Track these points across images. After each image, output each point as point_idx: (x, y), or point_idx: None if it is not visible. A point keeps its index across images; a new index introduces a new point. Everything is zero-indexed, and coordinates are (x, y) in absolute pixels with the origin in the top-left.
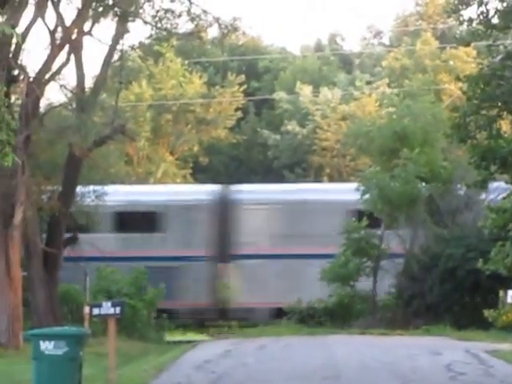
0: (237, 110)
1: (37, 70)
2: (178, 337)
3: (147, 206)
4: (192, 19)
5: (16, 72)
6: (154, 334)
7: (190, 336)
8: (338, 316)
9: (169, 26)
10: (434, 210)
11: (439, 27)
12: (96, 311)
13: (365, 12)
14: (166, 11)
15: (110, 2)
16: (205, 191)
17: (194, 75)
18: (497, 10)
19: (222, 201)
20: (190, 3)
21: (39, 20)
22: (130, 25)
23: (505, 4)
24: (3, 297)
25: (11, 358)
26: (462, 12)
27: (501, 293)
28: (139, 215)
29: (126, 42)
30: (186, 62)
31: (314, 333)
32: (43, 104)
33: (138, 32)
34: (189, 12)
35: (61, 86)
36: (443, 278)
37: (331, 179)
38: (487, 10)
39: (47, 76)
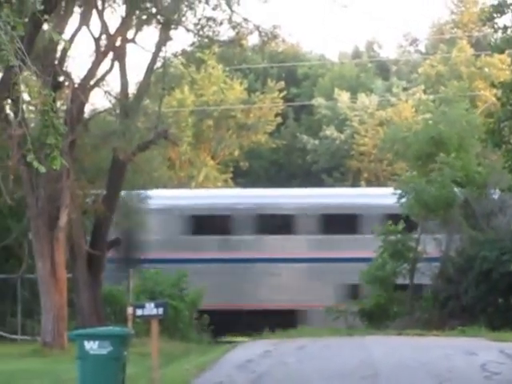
0: (276, 115)
1: (82, 77)
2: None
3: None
4: (233, 27)
5: (61, 78)
6: (195, 335)
7: (230, 337)
8: (376, 317)
9: (210, 33)
10: (469, 213)
11: (474, 35)
12: (139, 312)
13: (401, 20)
14: (208, 19)
15: (154, 11)
16: None
17: (234, 81)
18: None
19: None
20: (232, 11)
21: (84, 28)
22: (172, 32)
23: None
24: (49, 298)
25: (56, 357)
26: (497, 20)
27: None
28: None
29: (169, 49)
30: (227, 68)
31: (352, 333)
32: (88, 109)
33: (181, 39)
34: (230, 20)
35: (105, 92)
36: (478, 280)
37: (369, 183)
38: None
39: (92, 82)
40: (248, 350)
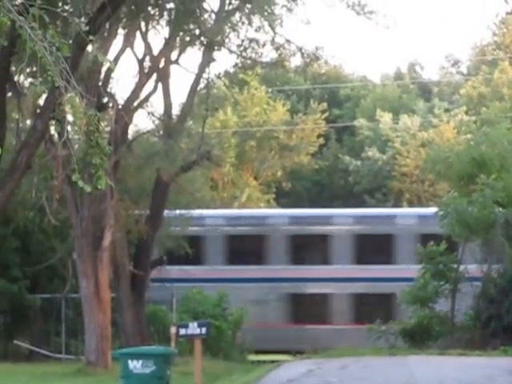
0: (319, 136)
1: (125, 98)
2: (261, 357)
3: None
4: (276, 48)
5: (106, 99)
6: (238, 354)
7: (273, 356)
8: (417, 337)
9: (253, 54)
10: (511, 233)
11: None
12: (183, 331)
13: (443, 41)
14: (251, 41)
15: (197, 32)
16: None
17: (277, 103)
18: None
19: None
20: (274, 33)
21: (128, 49)
22: (215, 54)
23: None
24: (93, 317)
25: (100, 376)
26: None
27: None
28: None
29: (212, 70)
30: (270, 89)
31: (394, 353)
32: (131, 130)
33: (224, 61)
34: (273, 41)
35: (148, 113)
36: None
37: (410, 204)
38: None
39: (135, 103)
40: (291, 369)
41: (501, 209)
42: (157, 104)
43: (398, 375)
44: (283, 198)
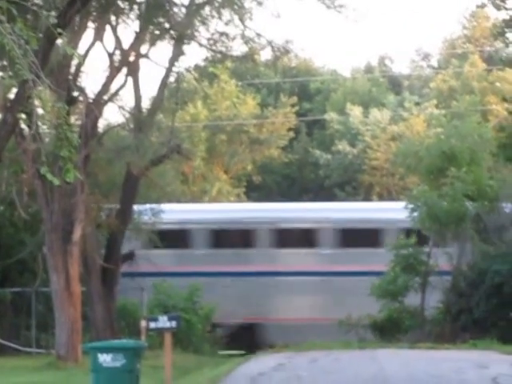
0: (289, 130)
1: (95, 92)
2: (231, 351)
3: None
4: (246, 42)
5: (76, 93)
6: (208, 348)
7: (243, 350)
8: (387, 330)
9: (223, 48)
10: (481, 227)
11: (486, 50)
12: (153, 325)
13: (413, 35)
14: (221, 34)
15: (167, 26)
16: None
17: (247, 96)
18: None
19: None
20: (244, 27)
21: (98, 43)
22: (185, 47)
23: None
24: (63, 311)
25: (70, 370)
26: (508, 35)
27: None
28: None
29: (182, 64)
30: (240, 83)
31: (364, 347)
32: (102, 124)
33: (194, 54)
34: (243, 35)
35: (119, 107)
36: (490, 294)
37: (380, 198)
38: None
39: (106, 97)
40: (261, 363)
41: (471, 202)
42: (127, 98)
43: (367, 369)
44: (253, 191)
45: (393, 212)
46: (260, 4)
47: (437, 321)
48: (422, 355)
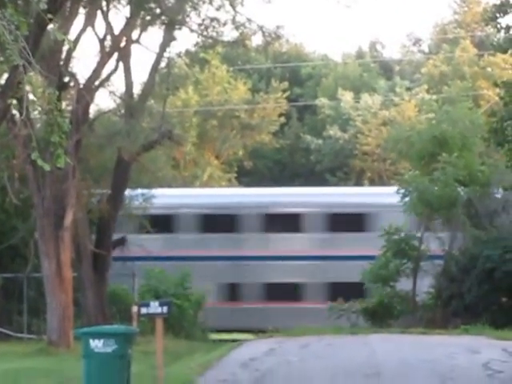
0: (280, 115)
1: (87, 77)
2: (223, 336)
3: None
4: (237, 27)
5: (67, 79)
6: (199, 333)
7: (235, 335)
8: (379, 316)
9: (214, 34)
10: (472, 212)
11: (477, 35)
12: (144, 310)
13: (404, 20)
14: (212, 20)
15: (158, 11)
16: None
17: (238, 82)
18: None
19: None
20: (235, 12)
21: (89, 29)
22: (176, 33)
23: None
24: (54, 297)
25: (62, 355)
26: (500, 20)
27: None
28: None
29: (173, 49)
30: (231, 68)
31: (356, 332)
32: (93, 110)
33: (185, 40)
34: (234, 20)
35: (110, 92)
36: (481, 279)
37: (372, 183)
38: None
39: (97, 83)
40: (252, 348)
41: (462, 187)
42: (118, 83)
43: (359, 354)
44: (245, 176)
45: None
46: None
47: (428, 306)
48: (414, 340)
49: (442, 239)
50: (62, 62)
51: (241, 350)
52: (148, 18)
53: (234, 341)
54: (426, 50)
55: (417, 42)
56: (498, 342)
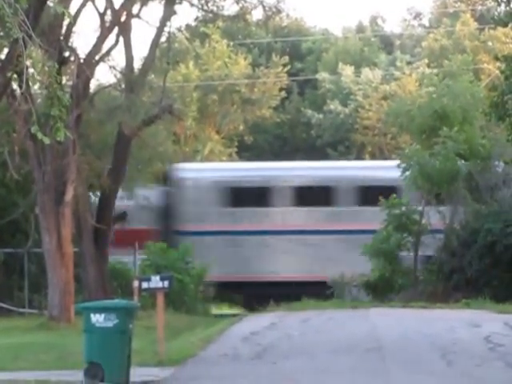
0: (281, 90)
1: (87, 52)
2: (224, 310)
3: None
4: (237, 1)
5: (67, 54)
6: (201, 308)
7: (236, 310)
8: (379, 290)
9: (215, 8)
10: (473, 186)
11: (478, 8)
12: (145, 285)
13: None
14: None
15: None
16: None
17: (239, 56)
18: None
19: None
20: None
21: (89, 3)
22: (177, 7)
23: None
24: (55, 272)
25: (63, 330)
26: None
27: None
28: None
29: (174, 24)
30: (232, 43)
31: (357, 306)
32: (93, 85)
33: (185, 14)
34: None
35: (110, 67)
36: (482, 253)
37: (373, 157)
38: None
39: (97, 57)
40: (253, 322)
41: (463, 161)
42: (118, 58)
43: (360, 328)
44: (245, 151)
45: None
46: None
47: (429, 280)
48: (415, 314)
49: (443, 213)
50: (62, 37)
51: (242, 324)
52: None
53: (234, 316)
54: (427, 24)
55: (417, 15)
56: (499, 316)
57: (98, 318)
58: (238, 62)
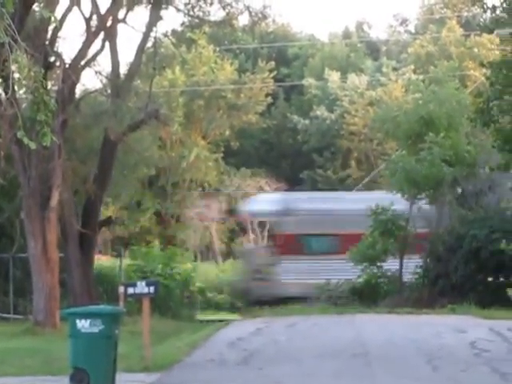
0: (267, 95)
1: (72, 57)
2: (209, 316)
3: None
4: (223, 7)
5: (53, 59)
6: (186, 313)
7: (222, 315)
8: (366, 296)
9: (201, 13)
10: (459, 192)
11: (464, 15)
12: (131, 291)
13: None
14: None
15: None
16: None
17: (225, 62)
18: None
19: None
20: None
21: (75, 8)
22: (163, 12)
23: None
24: (41, 277)
25: (48, 336)
26: (486, 0)
27: None
28: None
29: (160, 29)
30: (218, 48)
31: (343, 312)
32: (79, 90)
33: (171, 19)
34: (220, 0)
35: (96, 72)
36: (467, 259)
37: (359, 163)
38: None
39: (83, 62)
40: (239, 328)
41: (449, 167)
42: (104, 63)
43: (346, 333)
44: (231, 157)
45: None
46: None
47: (415, 286)
48: (401, 320)
49: (429, 219)
50: (47, 42)
51: (228, 330)
52: None
53: (220, 321)
54: (413, 30)
55: (403, 22)
56: (484, 322)
57: (83, 324)
58: (224, 68)
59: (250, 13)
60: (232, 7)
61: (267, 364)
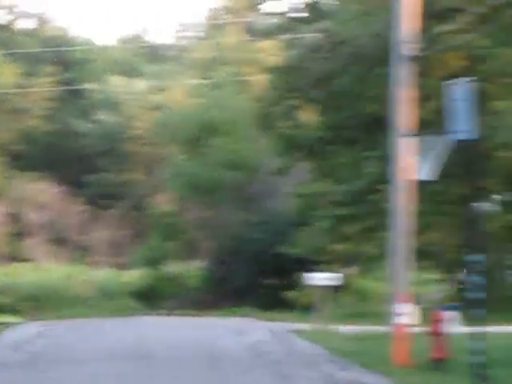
0: (50, 99)
1: None
2: None
3: None
4: (9, 12)
5: None
6: None
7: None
8: (147, 298)
9: None
10: (241, 196)
11: (246, 21)
12: None
13: (175, 5)
14: None
15: None
16: None
17: (7, 65)
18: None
19: None
20: None
21: None
22: None
23: None
24: None
25: None
26: (264, 6)
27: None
28: None
29: None
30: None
31: (125, 314)
32: None
33: None
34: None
35: None
36: (249, 262)
37: (142, 166)
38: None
39: None
40: (21, 331)
41: (231, 171)
42: None
43: (129, 336)
44: (16, 161)
45: None
46: None
47: (199, 288)
48: (183, 322)
49: (211, 222)
50: None
51: (9, 333)
52: None
53: (1, 324)
54: (196, 35)
55: (187, 27)
56: (265, 324)
57: None
58: (6, 72)
59: (31, 17)
60: (13, 12)
61: (51, 366)
